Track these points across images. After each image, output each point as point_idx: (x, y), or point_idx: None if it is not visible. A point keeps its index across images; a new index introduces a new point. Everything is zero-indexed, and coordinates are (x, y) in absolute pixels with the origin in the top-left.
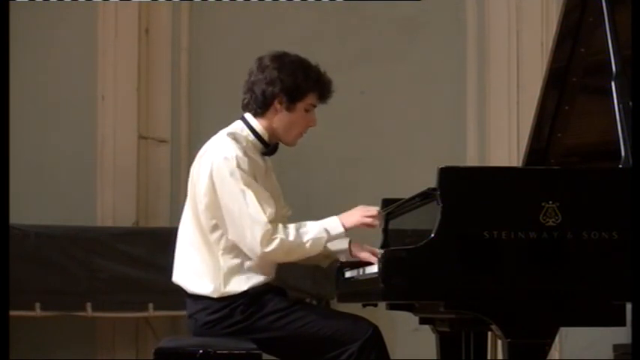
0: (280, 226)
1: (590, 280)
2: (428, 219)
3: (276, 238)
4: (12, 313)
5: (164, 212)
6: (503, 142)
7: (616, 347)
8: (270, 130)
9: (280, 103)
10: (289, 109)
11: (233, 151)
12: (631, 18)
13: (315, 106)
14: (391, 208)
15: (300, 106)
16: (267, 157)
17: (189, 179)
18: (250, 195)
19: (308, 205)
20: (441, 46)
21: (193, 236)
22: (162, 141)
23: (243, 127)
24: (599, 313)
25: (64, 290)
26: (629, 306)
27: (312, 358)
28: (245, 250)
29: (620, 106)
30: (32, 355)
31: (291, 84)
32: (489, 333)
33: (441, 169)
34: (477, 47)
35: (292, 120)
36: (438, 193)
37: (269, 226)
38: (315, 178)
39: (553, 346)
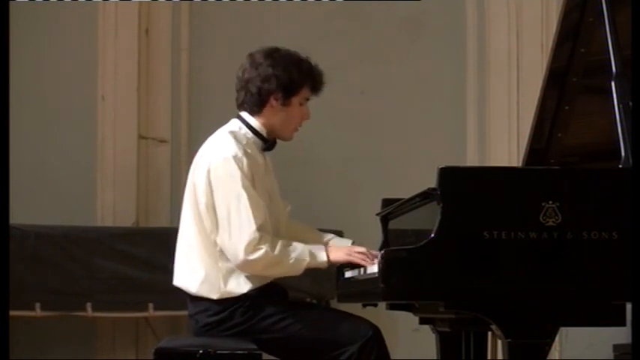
0: (268, 237)
1: (590, 280)
2: (428, 219)
3: (261, 248)
4: (12, 313)
5: (164, 212)
6: (503, 142)
7: (616, 347)
8: (268, 126)
9: (276, 100)
10: (285, 104)
11: (233, 151)
12: (631, 18)
13: (308, 99)
14: (391, 208)
15: (295, 100)
16: (266, 154)
17: (189, 179)
18: (245, 199)
19: (308, 204)
20: (441, 47)
21: (192, 237)
22: (163, 141)
23: (241, 125)
24: (599, 313)
25: (64, 290)
26: (629, 306)
27: (312, 358)
28: (228, 254)
29: (620, 106)
30: (32, 355)
31: (285, 80)
32: (489, 333)
33: (441, 169)
34: (477, 47)
35: (288, 115)
36: (438, 193)
37: (256, 235)
38: (315, 178)
39: (553, 346)
